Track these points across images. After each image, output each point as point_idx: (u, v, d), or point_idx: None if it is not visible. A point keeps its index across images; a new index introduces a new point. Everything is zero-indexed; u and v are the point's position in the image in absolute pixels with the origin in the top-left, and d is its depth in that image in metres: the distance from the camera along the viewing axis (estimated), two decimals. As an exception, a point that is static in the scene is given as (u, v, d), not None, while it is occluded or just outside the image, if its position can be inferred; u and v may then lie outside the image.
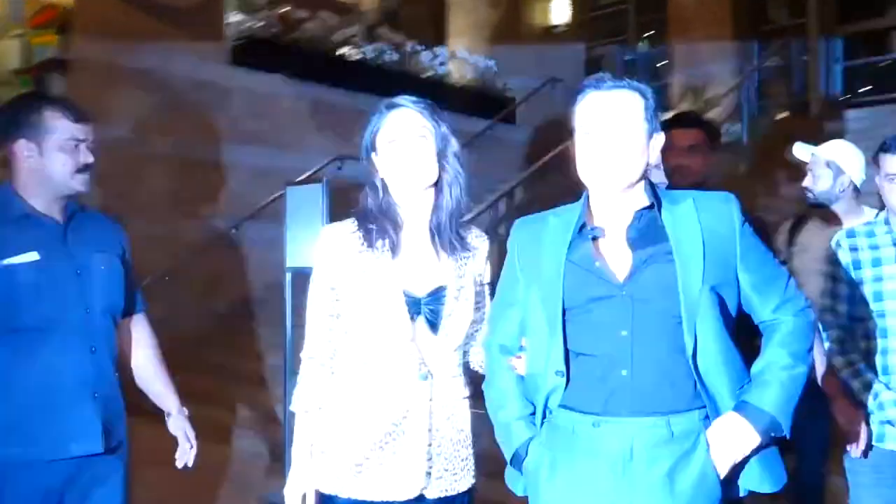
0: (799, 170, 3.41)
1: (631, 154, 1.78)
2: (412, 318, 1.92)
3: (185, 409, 2.50)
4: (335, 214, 4.58)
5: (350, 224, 2.01)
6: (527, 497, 1.92)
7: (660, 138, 1.85)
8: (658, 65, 12.01)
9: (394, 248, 1.96)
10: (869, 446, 2.47)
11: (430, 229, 2.00)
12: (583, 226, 1.84)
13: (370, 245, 1.95)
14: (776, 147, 8.01)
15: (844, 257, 2.53)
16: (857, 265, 2.50)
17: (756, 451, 1.73)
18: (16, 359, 2.11)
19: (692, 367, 1.71)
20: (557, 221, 1.89)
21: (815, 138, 3.60)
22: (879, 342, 2.45)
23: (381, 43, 9.18)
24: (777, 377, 1.74)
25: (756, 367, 1.78)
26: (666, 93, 10.41)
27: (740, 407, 1.72)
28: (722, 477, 1.72)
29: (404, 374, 1.92)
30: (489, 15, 10.58)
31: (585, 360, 1.78)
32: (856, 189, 3.18)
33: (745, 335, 1.84)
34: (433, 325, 1.94)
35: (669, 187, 2.52)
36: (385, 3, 10.36)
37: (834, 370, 2.57)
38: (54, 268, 2.15)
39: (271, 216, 6.91)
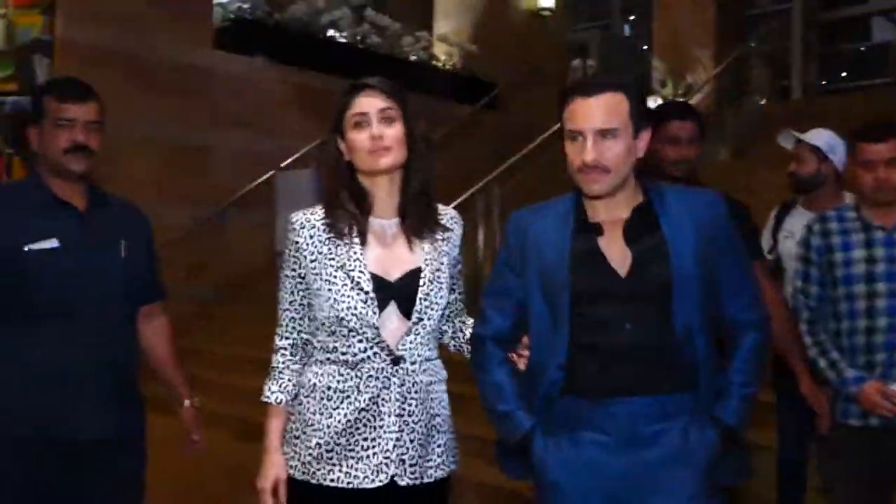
0: (780, 155, 3.48)
1: (619, 158, 1.82)
2: (383, 304, 1.88)
3: (196, 399, 2.53)
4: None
5: (318, 211, 1.96)
6: (523, 479, 1.98)
7: (647, 134, 1.89)
8: (642, 49, 12.05)
9: (362, 234, 1.92)
10: (835, 424, 2.57)
11: (399, 213, 1.96)
12: (582, 220, 1.89)
13: (338, 232, 1.91)
14: (757, 133, 8.09)
15: (816, 241, 2.62)
16: (828, 249, 2.59)
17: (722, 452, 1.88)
18: (33, 343, 2.13)
19: (685, 353, 1.82)
20: (555, 214, 1.92)
21: (796, 124, 3.67)
22: (847, 324, 2.54)
23: (366, 26, 9.15)
24: (738, 393, 1.88)
25: (725, 376, 1.90)
26: (649, 77, 10.45)
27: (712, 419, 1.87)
28: None
29: (374, 360, 1.89)
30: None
31: (589, 351, 1.83)
32: (838, 175, 3.26)
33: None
34: (406, 309, 1.91)
35: (662, 176, 2.56)
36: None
37: (804, 350, 2.67)
38: (72, 254, 2.16)
39: (257, 200, 6.94)
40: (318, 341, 1.94)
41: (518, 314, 1.94)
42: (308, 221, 1.94)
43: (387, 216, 1.95)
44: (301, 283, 1.94)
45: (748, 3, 10.56)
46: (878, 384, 2.43)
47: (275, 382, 1.96)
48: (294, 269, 1.94)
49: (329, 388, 1.89)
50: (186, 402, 2.51)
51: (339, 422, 1.87)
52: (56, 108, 2.19)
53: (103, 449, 2.20)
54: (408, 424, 1.89)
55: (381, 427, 1.87)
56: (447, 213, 2.04)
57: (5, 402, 2.13)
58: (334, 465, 1.87)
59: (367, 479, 1.85)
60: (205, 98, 7.63)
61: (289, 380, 1.96)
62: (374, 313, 1.86)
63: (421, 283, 1.90)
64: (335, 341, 1.90)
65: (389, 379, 1.88)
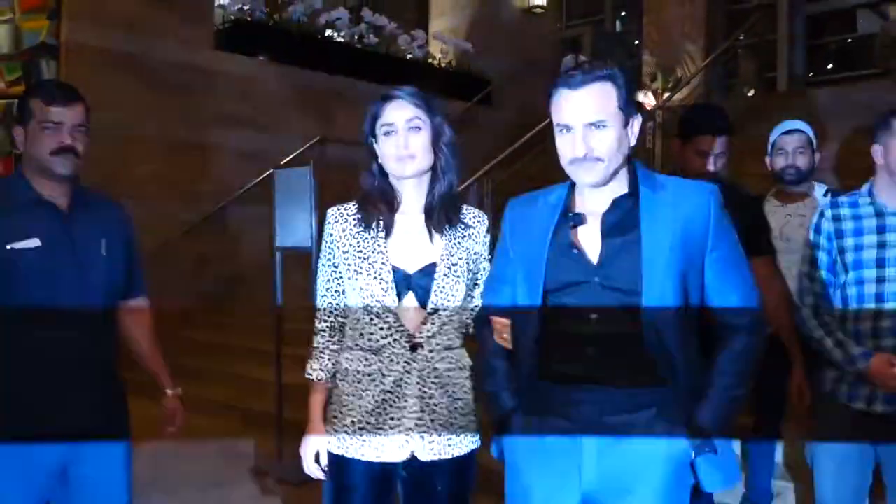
0: (765, 146, 3.52)
1: (608, 148, 1.81)
2: (402, 293, 2.05)
3: (178, 388, 2.60)
4: (321, 195, 4.80)
5: (351, 206, 2.15)
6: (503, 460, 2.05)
7: (637, 121, 1.88)
8: (634, 43, 12.22)
9: (388, 229, 2.08)
10: (837, 407, 2.58)
11: (424, 211, 2.11)
12: (567, 210, 1.92)
13: (366, 225, 2.08)
14: (744, 124, 8.24)
15: (827, 226, 2.61)
16: (839, 234, 2.58)
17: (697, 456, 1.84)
18: (16, 339, 2.17)
19: (653, 347, 1.80)
20: (545, 204, 1.95)
21: (782, 115, 3.75)
22: (854, 309, 2.54)
23: (363, 25, 9.30)
24: (718, 397, 1.83)
25: (708, 374, 1.86)
26: (639, 71, 10.62)
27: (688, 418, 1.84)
28: None
29: (394, 346, 2.05)
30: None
31: (560, 339, 1.87)
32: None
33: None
34: (423, 300, 2.06)
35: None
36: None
37: (801, 336, 2.71)
38: (55, 253, 2.19)
39: (257, 198, 7.08)
40: (350, 329, 2.13)
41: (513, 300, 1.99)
42: (342, 215, 2.14)
43: (412, 213, 2.12)
44: (335, 271, 2.13)
45: (736, -3, 10.74)
46: (887, 356, 2.44)
47: (316, 361, 2.15)
48: (329, 259, 2.14)
49: (358, 371, 2.08)
50: (169, 392, 2.57)
51: (368, 402, 2.06)
52: (43, 110, 2.20)
53: (90, 443, 2.26)
54: (429, 406, 2.06)
55: (404, 408, 2.05)
56: (471, 212, 2.19)
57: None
58: (364, 441, 2.06)
59: (391, 453, 2.05)
60: (206, 97, 7.78)
61: (328, 359, 2.15)
62: (393, 301, 2.03)
63: (436, 275, 2.06)
64: (362, 328, 2.08)
65: (410, 364, 2.05)
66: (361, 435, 2.06)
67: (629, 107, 1.85)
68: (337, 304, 2.14)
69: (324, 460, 2.13)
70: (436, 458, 2.07)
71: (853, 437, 2.55)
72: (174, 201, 7.34)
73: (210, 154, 7.82)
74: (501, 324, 1.98)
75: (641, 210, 1.84)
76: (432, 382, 2.06)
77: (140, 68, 7.30)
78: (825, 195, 3.46)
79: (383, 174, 2.12)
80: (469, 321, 2.17)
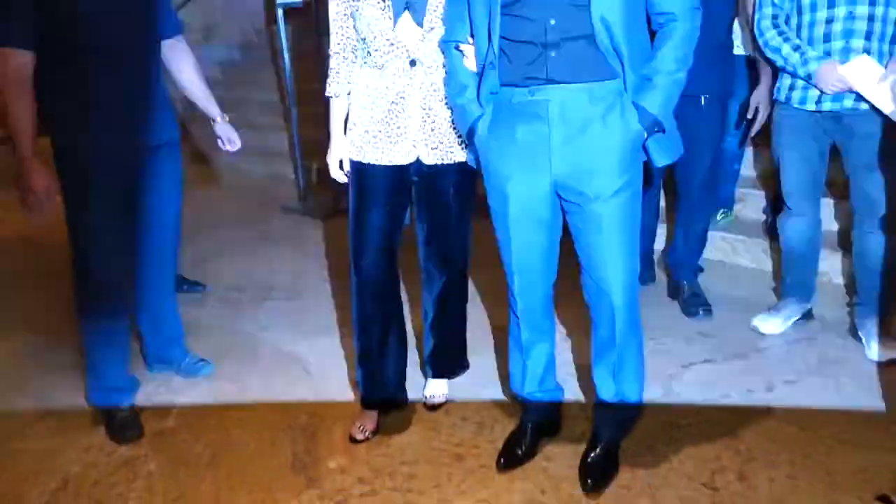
0: None
1: None
2: (398, 13, 2.25)
3: (225, 115, 3.01)
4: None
5: None
6: (478, 165, 2.26)
7: None
8: None
9: None
10: (792, 110, 2.90)
11: None
12: None
13: None
14: None
15: None
16: None
17: (649, 137, 2.05)
18: (85, 74, 2.51)
19: (603, 43, 1.97)
20: None
21: None
22: (808, 16, 2.80)
23: None
24: (663, 82, 2.00)
25: (649, 66, 2.01)
26: None
27: (635, 106, 2.02)
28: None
29: (395, 62, 2.28)
30: None
31: (521, 46, 2.03)
32: None
33: None
34: (419, 20, 2.25)
35: None
36: None
37: (759, 46, 2.95)
38: (101, 2, 2.51)
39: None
40: (360, 50, 2.36)
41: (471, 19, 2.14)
42: None
43: None
44: (344, 1, 2.33)
45: None
46: (834, 62, 2.72)
47: (332, 80, 2.40)
48: None
49: (367, 86, 2.34)
50: (218, 118, 2.99)
51: (378, 112, 2.32)
52: None
53: (157, 150, 2.68)
54: (429, 116, 2.32)
55: (408, 117, 2.31)
56: None
57: (81, 122, 2.53)
58: (377, 147, 2.34)
59: (400, 157, 2.34)
60: None
61: (343, 77, 2.39)
62: (390, 19, 2.25)
63: None
64: (367, 48, 2.32)
65: (411, 79, 2.29)
66: (374, 142, 2.34)
67: None
68: (346, 28, 2.36)
69: (346, 166, 2.44)
70: (438, 161, 2.35)
71: (806, 135, 2.91)
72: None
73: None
74: (468, 48, 2.17)
75: None
76: (431, 95, 2.30)
77: None
78: None
79: None
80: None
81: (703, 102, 3.16)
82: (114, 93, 2.56)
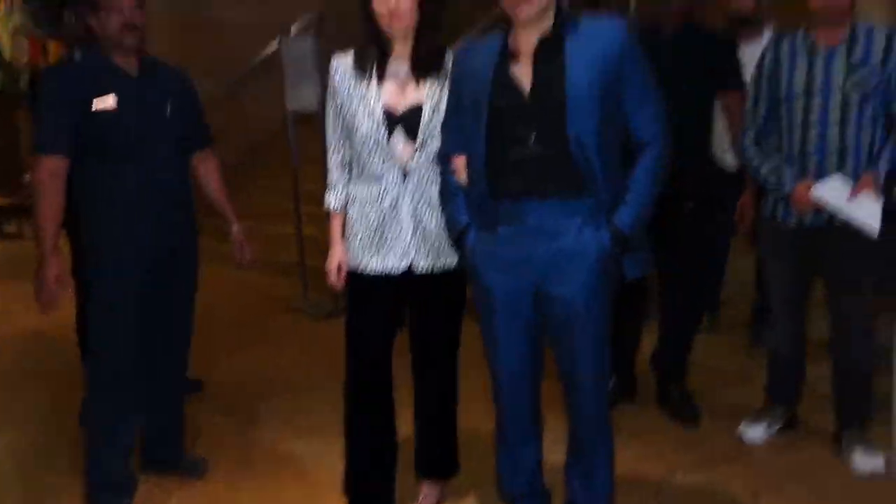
0: None
1: None
2: (391, 129, 2.37)
3: (240, 225, 3.14)
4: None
5: (350, 54, 2.44)
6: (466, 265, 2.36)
7: None
8: None
9: (380, 74, 2.38)
10: (776, 226, 2.98)
11: (411, 61, 2.38)
12: (504, 50, 2.18)
13: (362, 70, 2.39)
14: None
15: (768, 62, 2.94)
16: (777, 69, 2.90)
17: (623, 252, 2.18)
18: (115, 180, 2.67)
19: (580, 163, 2.10)
20: (486, 48, 2.22)
21: None
22: (787, 136, 2.89)
23: None
24: (634, 201, 2.15)
25: (623, 184, 2.16)
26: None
27: (607, 222, 2.15)
28: None
29: (389, 175, 2.40)
30: None
31: (504, 162, 2.17)
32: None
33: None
34: (413, 135, 2.36)
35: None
36: None
37: (744, 164, 3.08)
38: (130, 111, 2.65)
39: (265, 70, 7.43)
40: (355, 163, 2.47)
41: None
42: (341, 64, 2.44)
43: (402, 62, 2.40)
44: (339, 112, 2.45)
45: None
46: (807, 183, 2.80)
47: (332, 193, 2.53)
48: (335, 101, 2.46)
49: (363, 196, 2.44)
50: (235, 227, 3.14)
51: (372, 221, 2.43)
52: None
53: (172, 256, 2.82)
54: (421, 223, 2.41)
55: (401, 226, 2.41)
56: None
57: (110, 224, 2.69)
58: (373, 255, 2.43)
59: (393, 266, 2.43)
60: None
61: (342, 190, 2.52)
62: (384, 135, 2.36)
63: (423, 114, 2.36)
64: (362, 161, 2.42)
65: (404, 189, 2.39)
66: (369, 250, 2.44)
67: None
68: (344, 141, 2.48)
69: (343, 272, 2.53)
70: (430, 267, 2.44)
71: (791, 249, 2.98)
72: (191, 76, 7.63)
73: (214, 30, 8.05)
74: (459, 162, 2.29)
75: (567, 44, 2.10)
76: (423, 205, 2.42)
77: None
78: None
79: (377, 30, 2.37)
80: None
81: (685, 210, 3.24)
82: (145, 198, 2.71)
